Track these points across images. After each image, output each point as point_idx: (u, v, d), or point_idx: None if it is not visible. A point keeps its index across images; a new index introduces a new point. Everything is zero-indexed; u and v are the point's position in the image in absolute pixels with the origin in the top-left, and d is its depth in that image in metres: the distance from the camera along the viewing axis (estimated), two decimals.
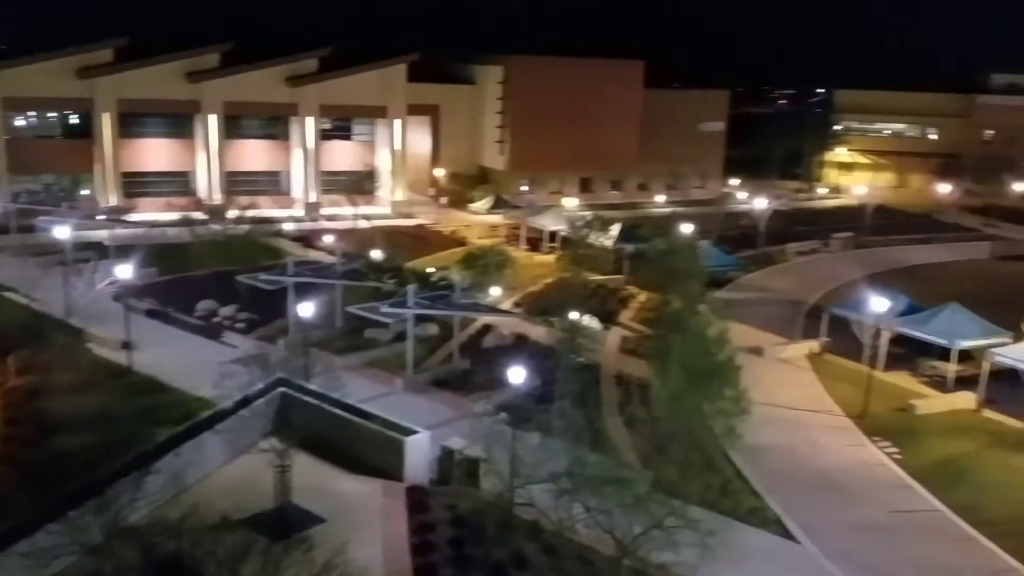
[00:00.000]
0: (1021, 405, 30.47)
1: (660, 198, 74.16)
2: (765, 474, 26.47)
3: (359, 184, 61.28)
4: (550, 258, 53.26)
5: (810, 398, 33.80)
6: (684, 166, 79.59)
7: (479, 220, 65.01)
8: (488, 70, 76.40)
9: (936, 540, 23.52)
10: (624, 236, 50.84)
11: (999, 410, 31.90)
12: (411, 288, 33.74)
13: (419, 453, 24.22)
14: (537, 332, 36.30)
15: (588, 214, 48.07)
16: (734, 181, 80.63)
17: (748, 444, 26.00)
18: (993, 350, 33.10)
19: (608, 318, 41.30)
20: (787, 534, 23.50)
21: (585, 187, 76.98)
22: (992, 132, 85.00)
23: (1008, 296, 44.97)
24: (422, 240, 58.09)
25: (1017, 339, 33.87)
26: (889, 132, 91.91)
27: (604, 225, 49.98)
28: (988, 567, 22.25)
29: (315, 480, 23.00)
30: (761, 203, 60.37)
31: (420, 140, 74.66)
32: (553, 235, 55.76)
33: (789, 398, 33.35)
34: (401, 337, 34.59)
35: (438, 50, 79.56)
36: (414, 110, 69.94)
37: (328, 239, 49.06)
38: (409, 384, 32.19)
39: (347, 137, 70.48)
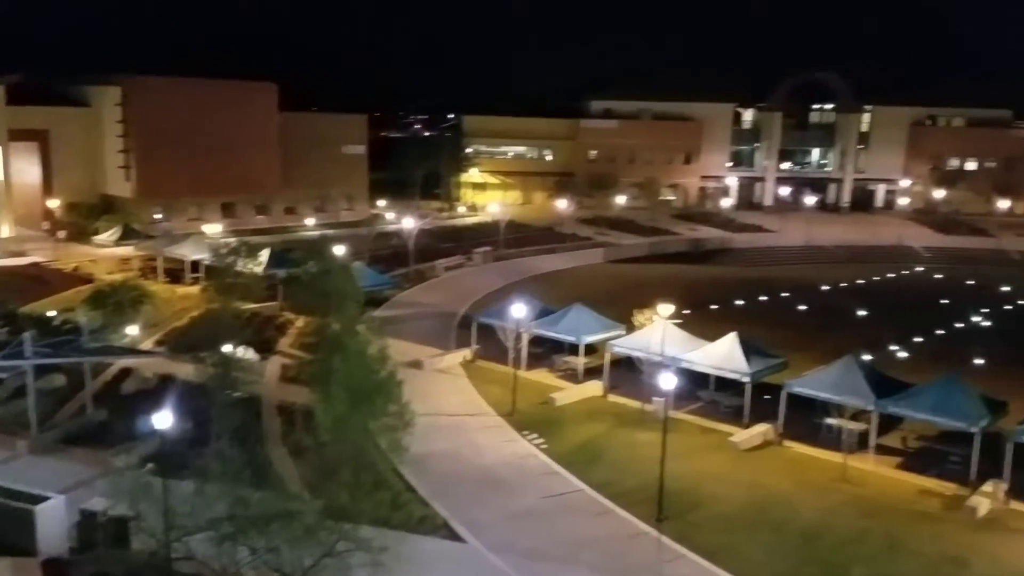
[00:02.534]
0: (636, 388, 35.19)
1: (310, 221, 73.47)
2: (432, 481, 27.46)
3: None
4: (194, 289, 50.03)
5: (467, 403, 35.78)
6: (331, 189, 79.79)
7: (107, 253, 58.92)
8: (104, 91, 69.95)
9: (581, 516, 26.20)
10: (275, 261, 49.49)
11: (621, 394, 36.50)
12: (27, 336, 29.48)
13: (53, 521, 21.25)
14: (185, 370, 33.80)
15: (233, 240, 45.96)
16: (381, 202, 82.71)
17: (415, 455, 26.74)
18: (612, 342, 37.87)
19: (265, 347, 39.87)
20: (454, 535, 24.59)
21: (228, 212, 73.62)
22: (595, 152, 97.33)
23: (620, 294, 51.94)
24: (38, 280, 51.04)
25: (629, 331, 39.01)
26: (512, 154, 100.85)
27: (252, 251, 48.16)
28: (625, 533, 25.27)
29: None
30: (408, 223, 62.64)
31: (28, 169, 65.83)
32: (196, 265, 52.44)
33: (449, 405, 35.01)
34: (21, 392, 30.09)
35: (45, 70, 71.08)
36: (17, 136, 61.70)
37: None
38: (35, 445, 28.11)
39: None
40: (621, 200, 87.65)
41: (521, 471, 29.26)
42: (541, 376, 38.95)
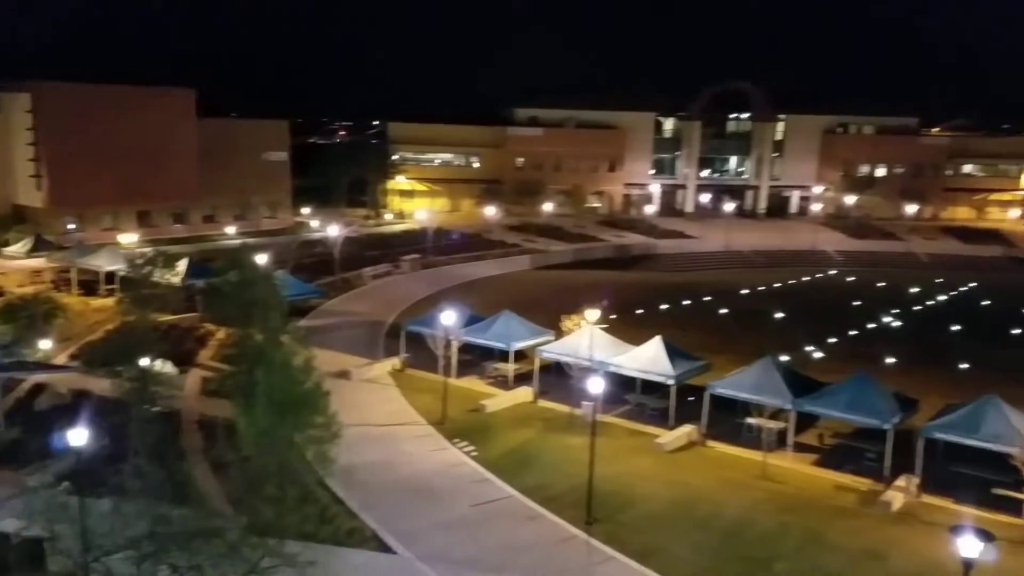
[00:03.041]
0: (566, 392, 35.49)
1: (230, 229, 71.91)
2: (361, 493, 27.14)
3: None
4: (110, 301, 48.29)
5: (396, 412, 35.51)
6: (252, 196, 78.23)
7: (17, 265, 56.48)
8: (14, 98, 67.34)
9: (512, 522, 26.28)
10: (194, 271, 48.21)
11: (550, 399, 36.75)
12: None
13: None
14: (101, 385, 32.58)
15: (150, 250, 44.60)
16: (305, 210, 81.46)
17: (343, 467, 26.35)
18: (540, 348, 38.15)
19: (185, 360, 38.78)
20: (384, 547, 24.34)
21: (144, 222, 71.46)
22: (522, 159, 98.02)
23: (547, 300, 52.36)
24: None
25: (558, 337, 39.36)
26: (439, 161, 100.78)
27: (169, 261, 46.81)
28: (555, 537, 25.42)
29: None
30: (334, 230, 61.85)
31: None
32: (111, 276, 50.69)
33: (378, 415, 34.68)
34: None
35: None
36: None
37: None
38: None
39: None
40: (548, 207, 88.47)
41: (452, 479, 29.18)
42: (471, 383, 38.93)
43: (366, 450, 30.24)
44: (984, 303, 62.07)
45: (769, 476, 29.62)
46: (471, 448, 31.77)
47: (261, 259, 47.39)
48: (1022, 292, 64.87)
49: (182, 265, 48.04)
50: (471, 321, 39.97)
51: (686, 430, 33.01)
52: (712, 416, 32.98)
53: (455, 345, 38.16)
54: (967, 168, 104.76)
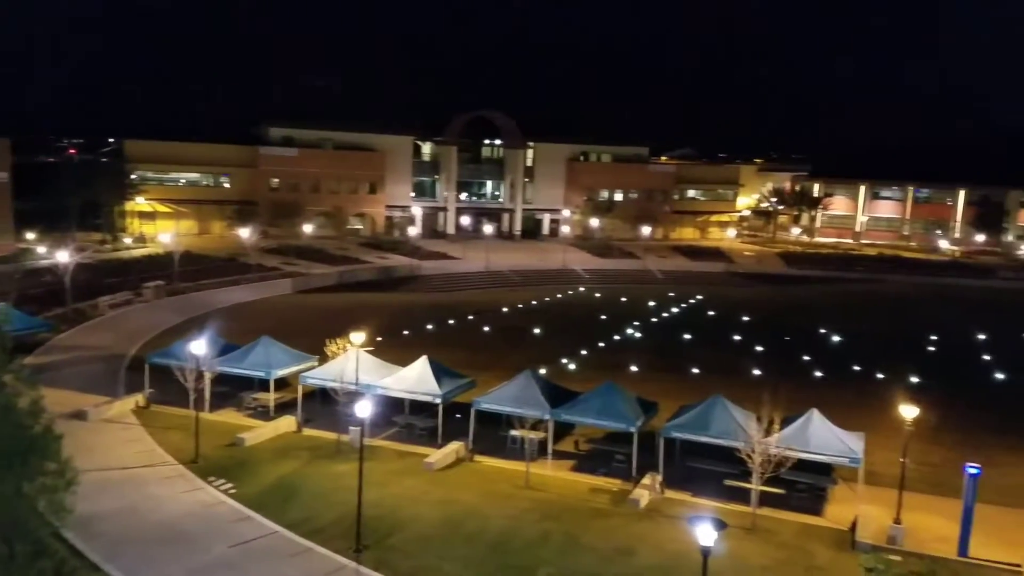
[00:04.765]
0: (332, 419, 34.71)
1: None
2: (104, 543, 24.72)
3: None
4: None
5: (142, 453, 32.73)
6: None
7: None
8: None
9: (275, 560, 25.13)
10: None
11: (315, 427, 35.79)
12: None
13: None
14: None
15: None
16: (30, 235, 73.16)
17: (81, 516, 23.77)
18: (304, 374, 37.04)
19: None
20: None
21: None
22: (277, 180, 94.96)
23: (311, 324, 51.09)
24: None
25: (322, 362, 38.43)
26: (185, 181, 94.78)
27: None
28: (323, 570, 24.67)
29: None
30: (63, 257, 55.99)
31: None
32: None
33: (120, 458, 31.79)
34: None
35: None
36: None
37: None
38: None
39: None
40: (308, 229, 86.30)
41: (207, 521, 27.39)
42: (228, 416, 36.91)
43: (108, 496, 27.65)
44: (710, 313, 69.35)
45: (532, 485, 30.90)
46: (229, 485, 30.04)
47: None
48: (741, 303, 73.40)
49: None
50: (226, 350, 37.94)
51: (454, 447, 33.56)
52: (478, 431, 33.83)
53: (208, 376, 35.95)
54: (691, 193, 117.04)
